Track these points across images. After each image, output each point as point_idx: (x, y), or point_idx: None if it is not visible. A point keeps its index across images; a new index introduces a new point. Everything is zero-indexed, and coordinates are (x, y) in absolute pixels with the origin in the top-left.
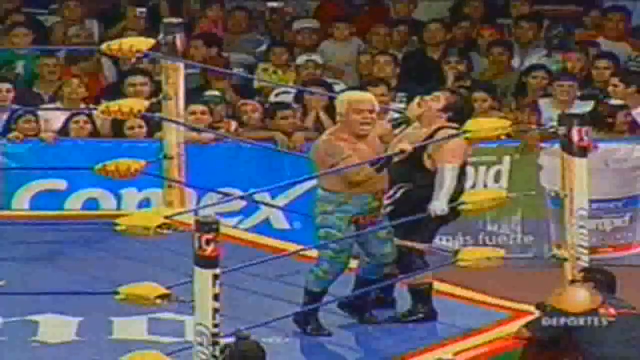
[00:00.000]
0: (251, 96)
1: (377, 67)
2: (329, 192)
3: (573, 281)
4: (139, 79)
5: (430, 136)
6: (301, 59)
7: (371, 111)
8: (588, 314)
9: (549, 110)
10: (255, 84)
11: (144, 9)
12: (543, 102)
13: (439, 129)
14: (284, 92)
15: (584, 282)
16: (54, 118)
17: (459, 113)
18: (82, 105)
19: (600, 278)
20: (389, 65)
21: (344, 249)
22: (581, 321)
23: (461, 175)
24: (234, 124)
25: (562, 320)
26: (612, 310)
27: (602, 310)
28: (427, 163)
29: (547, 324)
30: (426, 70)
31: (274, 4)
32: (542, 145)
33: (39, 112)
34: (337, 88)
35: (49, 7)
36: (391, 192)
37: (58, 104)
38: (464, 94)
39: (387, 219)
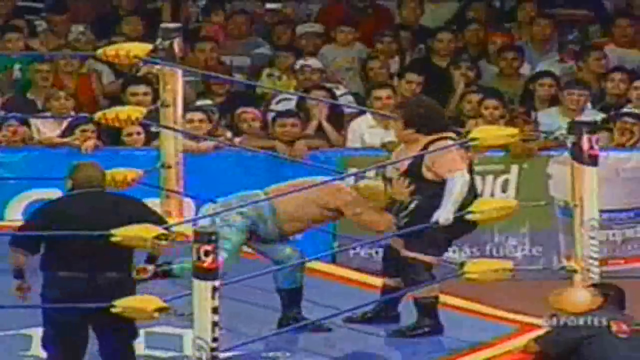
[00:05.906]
0: (253, 103)
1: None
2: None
3: None
4: (141, 88)
5: (424, 149)
6: (297, 64)
7: None
8: (588, 314)
9: (558, 119)
10: (258, 90)
11: None
12: (553, 110)
13: (431, 142)
14: (285, 99)
15: None
16: (47, 127)
17: (423, 119)
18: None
19: (610, 293)
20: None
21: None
22: (581, 321)
23: (470, 185)
24: (229, 133)
25: (562, 320)
26: (624, 327)
27: (614, 327)
28: (428, 175)
29: (547, 324)
30: (433, 77)
31: (273, 6)
32: (552, 153)
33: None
34: (337, 92)
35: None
36: (409, 205)
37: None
38: (414, 98)
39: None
